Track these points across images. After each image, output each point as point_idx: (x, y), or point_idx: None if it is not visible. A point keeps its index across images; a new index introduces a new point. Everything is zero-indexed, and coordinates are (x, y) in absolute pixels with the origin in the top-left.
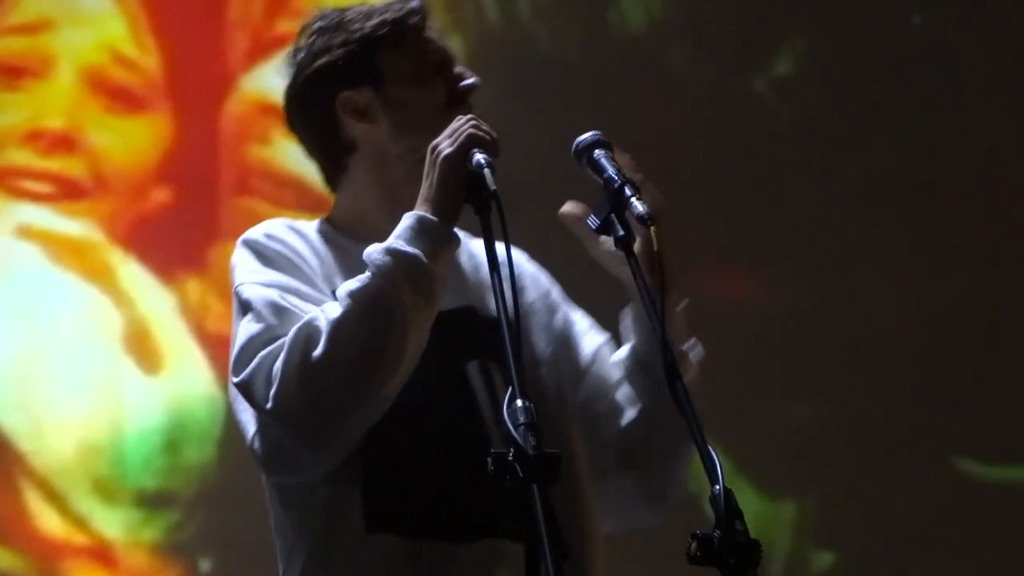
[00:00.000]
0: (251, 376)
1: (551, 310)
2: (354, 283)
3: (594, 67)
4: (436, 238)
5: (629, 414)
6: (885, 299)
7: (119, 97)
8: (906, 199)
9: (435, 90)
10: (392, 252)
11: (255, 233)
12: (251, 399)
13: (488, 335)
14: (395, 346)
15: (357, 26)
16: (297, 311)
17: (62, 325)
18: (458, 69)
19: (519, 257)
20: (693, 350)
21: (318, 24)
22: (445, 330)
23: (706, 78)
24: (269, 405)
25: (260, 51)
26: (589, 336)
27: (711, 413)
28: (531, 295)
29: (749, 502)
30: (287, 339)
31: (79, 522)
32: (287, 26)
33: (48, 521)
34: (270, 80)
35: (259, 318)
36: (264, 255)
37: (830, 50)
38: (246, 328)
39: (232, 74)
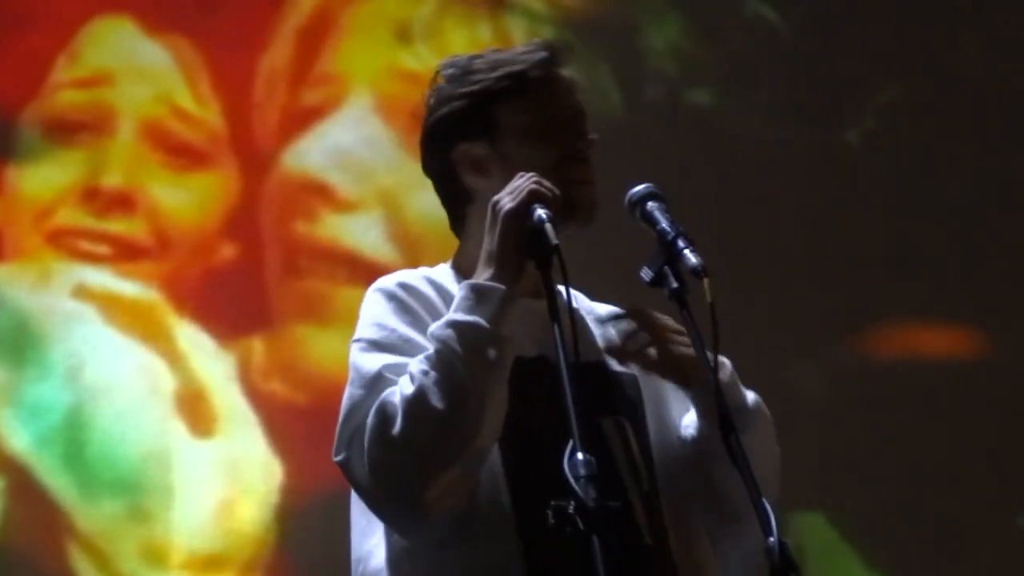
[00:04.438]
0: (347, 458)
1: None
2: (423, 359)
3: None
4: (493, 301)
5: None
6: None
7: (179, 152)
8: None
9: (549, 148)
10: (452, 324)
11: (389, 282)
12: (351, 478)
13: (617, 391)
14: (469, 415)
15: (480, 77)
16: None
17: (115, 386)
18: (577, 126)
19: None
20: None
21: (448, 71)
22: (579, 382)
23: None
24: (366, 483)
25: (292, 126)
26: None
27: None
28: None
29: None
30: (368, 421)
31: None
32: (313, 97)
33: None
34: (309, 158)
35: (358, 389)
36: (397, 303)
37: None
38: (347, 398)
39: (267, 152)
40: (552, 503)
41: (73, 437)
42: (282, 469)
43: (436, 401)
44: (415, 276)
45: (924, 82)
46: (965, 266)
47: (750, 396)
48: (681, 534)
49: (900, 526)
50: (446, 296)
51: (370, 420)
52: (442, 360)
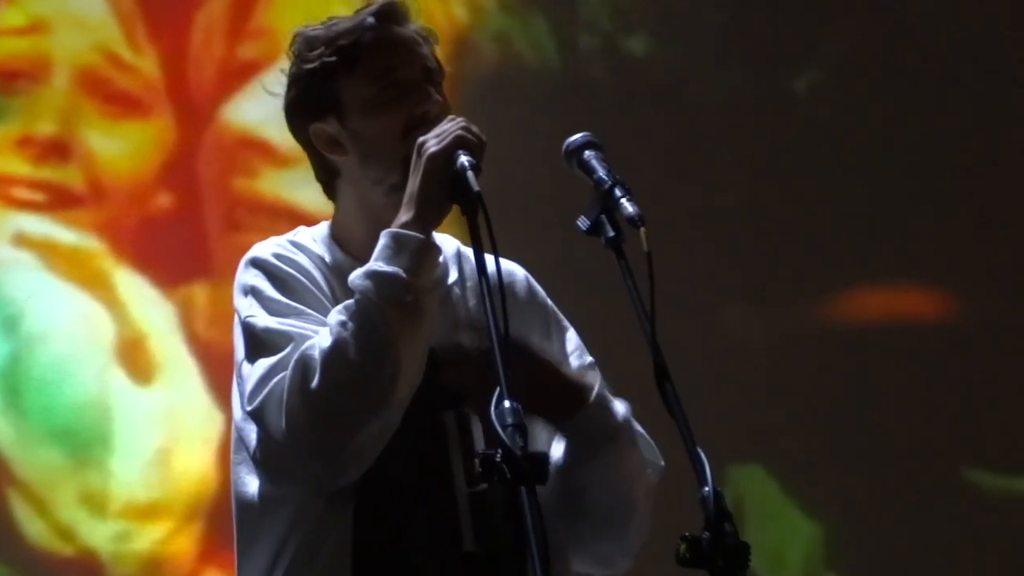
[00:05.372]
0: (263, 405)
1: (540, 331)
2: (342, 310)
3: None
4: (414, 251)
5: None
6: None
7: (116, 100)
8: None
9: (394, 117)
10: (372, 275)
11: (264, 252)
12: (265, 428)
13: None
14: (388, 365)
15: (316, 53)
16: (309, 336)
17: (54, 333)
18: (418, 89)
19: (512, 277)
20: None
21: (294, 47)
22: (429, 371)
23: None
24: (282, 435)
25: (229, 81)
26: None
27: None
28: (516, 319)
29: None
30: (287, 372)
31: (65, 532)
32: (249, 52)
33: (33, 530)
34: (246, 112)
35: (275, 349)
36: (276, 277)
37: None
38: (264, 361)
39: (204, 104)
40: (479, 451)
41: (12, 385)
42: (223, 417)
43: (354, 353)
44: (287, 245)
45: (873, 27)
46: (919, 223)
47: (620, 409)
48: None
49: (841, 477)
50: (315, 259)
51: (290, 373)
52: (360, 311)
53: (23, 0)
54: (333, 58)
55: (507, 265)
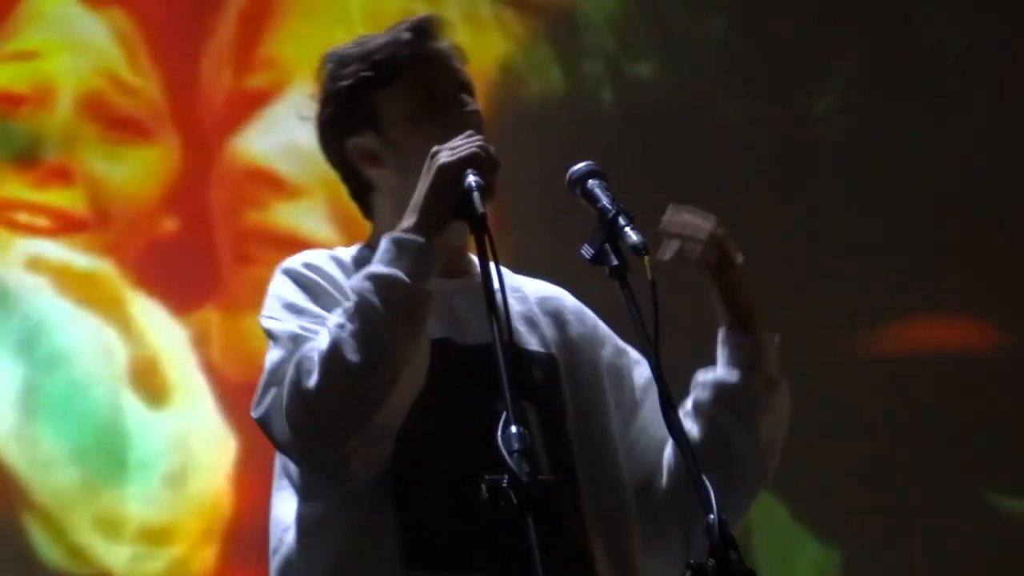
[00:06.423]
0: (267, 413)
1: (598, 344)
2: (341, 312)
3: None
4: (413, 255)
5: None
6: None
7: (120, 125)
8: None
9: (435, 126)
10: (370, 276)
11: (294, 261)
12: (269, 435)
13: (526, 370)
14: (386, 367)
15: (351, 69)
16: (315, 337)
17: (67, 357)
18: (456, 100)
19: (560, 294)
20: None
21: (327, 66)
22: (481, 365)
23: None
24: (284, 440)
25: (235, 109)
26: (641, 367)
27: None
28: (576, 329)
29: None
30: (287, 376)
31: (80, 555)
32: (256, 81)
33: (49, 554)
34: (254, 143)
35: (279, 349)
36: (302, 283)
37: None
38: (268, 360)
39: (211, 133)
40: (486, 477)
41: (27, 408)
42: (236, 440)
43: (351, 354)
44: (320, 256)
45: (883, 44)
46: (942, 252)
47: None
48: (596, 521)
49: (854, 504)
50: (350, 273)
51: (289, 375)
52: (358, 313)
53: (26, 25)
54: (370, 72)
55: (553, 290)
